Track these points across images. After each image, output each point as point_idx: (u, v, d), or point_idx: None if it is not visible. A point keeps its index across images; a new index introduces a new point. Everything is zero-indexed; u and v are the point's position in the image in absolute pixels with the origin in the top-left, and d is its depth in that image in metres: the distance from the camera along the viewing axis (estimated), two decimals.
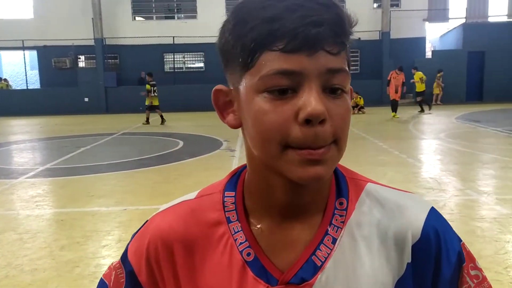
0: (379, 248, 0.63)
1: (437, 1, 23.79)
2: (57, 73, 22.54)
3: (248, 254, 0.63)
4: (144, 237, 0.68)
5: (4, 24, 22.31)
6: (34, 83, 24.61)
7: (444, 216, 0.67)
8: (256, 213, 0.65)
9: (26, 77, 23.31)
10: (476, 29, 21.57)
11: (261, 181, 0.63)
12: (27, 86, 23.65)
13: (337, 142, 0.56)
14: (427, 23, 23.50)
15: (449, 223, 0.66)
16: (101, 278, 0.73)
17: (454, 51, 21.86)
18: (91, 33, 21.79)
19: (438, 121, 14.18)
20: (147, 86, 14.77)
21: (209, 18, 19.23)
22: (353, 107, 16.09)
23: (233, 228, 0.64)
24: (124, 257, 0.70)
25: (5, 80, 23.93)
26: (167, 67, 23.30)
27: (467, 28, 21.80)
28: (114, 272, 0.71)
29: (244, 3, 0.57)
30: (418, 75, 16.52)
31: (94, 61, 22.48)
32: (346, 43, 0.56)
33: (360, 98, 17.45)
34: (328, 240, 0.62)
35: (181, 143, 10.27)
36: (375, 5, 22.91)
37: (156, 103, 14.89)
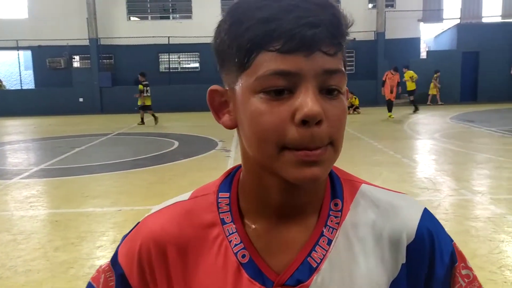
0: (374, 249, 0.63)
1: (432, 2, 23.90)
2: (51, 73, 22.42)
3: (243, 256, 0.62)
4: (135, 239, 0.67)
5: None
6: (29, 83, 24.43)
7: (438, 216, 0.67)
8: (251, 214, 0.64)
9: (20, 77, 23.22)
10: (470, 30, 21.68)
11: (256, 182, 0.62)
12: (21, 86, 23.53)
13: (334, 143, 0.56)
14: (421, 23, 23.60)
15: (444, 223, 0.67)
16: (89, 281, 0.71)
17: (448, 51, 21.94)
18: (85, 33, 21.69)
19: (433, 121, 14.24)
20: (140, 86, 14.71)
21: (204, 18, 19.16)
22: (348, 107, 16.10)
23: (227, 229, 0.64)
24: (114, 259, 0.69)
25: None
26: (162, 67, 23.24)
27: (461, 29, 21.90)
28: (103, 275, 0.69)
29: (240, 3, 0.57)
30: (409, 74, 16.52)
31: (89, 61, 22.36)
32: (343, 44, 0.56)
33: (355, 98, 17.50)
34: (323, 241, 0.62)
35: (176, 144, 10.25)
36: (370, 5, 22.97)
37: (148, 103, 14.84)
